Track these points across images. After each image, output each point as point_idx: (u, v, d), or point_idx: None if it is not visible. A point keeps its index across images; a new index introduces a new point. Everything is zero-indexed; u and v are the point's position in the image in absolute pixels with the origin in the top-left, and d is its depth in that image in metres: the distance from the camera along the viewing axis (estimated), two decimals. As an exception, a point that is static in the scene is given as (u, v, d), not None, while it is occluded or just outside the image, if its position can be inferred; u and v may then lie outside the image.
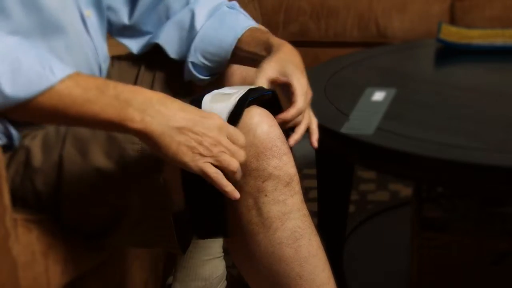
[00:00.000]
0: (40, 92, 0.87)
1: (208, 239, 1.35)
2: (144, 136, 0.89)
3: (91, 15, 1.09)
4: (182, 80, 1.20)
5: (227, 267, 1.41)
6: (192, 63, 1.15)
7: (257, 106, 0.96)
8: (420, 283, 1.36)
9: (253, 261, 0.98)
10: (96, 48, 1.10)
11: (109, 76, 1.19)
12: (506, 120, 1.23)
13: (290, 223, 0.96)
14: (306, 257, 0.97)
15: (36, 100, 0.88)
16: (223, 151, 0.90)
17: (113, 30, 1.21)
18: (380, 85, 1.37)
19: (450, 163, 1.09)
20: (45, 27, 1.00)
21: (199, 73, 1.16)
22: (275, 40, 1.09)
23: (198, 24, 1.15)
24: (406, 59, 1.60)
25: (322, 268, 0.98)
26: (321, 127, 1.24)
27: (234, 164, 0.90)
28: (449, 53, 1.58)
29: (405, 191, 1.91)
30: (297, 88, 1.03)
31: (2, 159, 0.90)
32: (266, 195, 0.95)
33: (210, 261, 1.37)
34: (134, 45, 1.21)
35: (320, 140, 1.36)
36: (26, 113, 0.89)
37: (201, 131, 0.89)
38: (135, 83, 1.21)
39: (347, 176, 1.48)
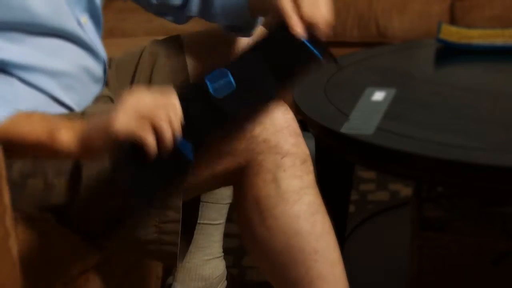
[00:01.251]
0: None
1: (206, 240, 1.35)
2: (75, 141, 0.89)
3: (87, 21, 1.11)
4: (182, 76, 1.20)
5: (227, 267, 1.41)
6: (226, 26, 1.17)
7: None
8: (419, 283, 1.36)
9: (269, 237, 0.99)
10: (94, 49, 1.12)
11: (107, 78, 1.20)
12: (506, 120, 1.23)
13: (306, 198, 0.99)
14: (321, 233, 1.00)
15: None
16: (147, 109, 0.87)
17: (150, 10, 1.22)
18: (380, 85, 1.37)
19: (450, 163, 1.09)
20: (36, 28, 1.02)
21: (237, 30, 1.18)
22: None
23: None
24: (406, 59, 1.59)
25: (334, 248, 1.01)
26: (321, 127, 1.24)
27: (161, 118, 0.87)
28: (449, 53, 1.57)
29: (405, 191, 1.91)
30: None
31: (2, 159, 0.90)
32: (284, 170, 0.99)
33: (210, 261, 1.37)
34: (172, 19, 1.22)
35: (320, 140, 1.36)
36: None
37: (120, 101, 0.88)
38: (132, 81, 1.22)
39: (347, 176, 1.48)
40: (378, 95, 1.32)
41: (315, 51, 0.98)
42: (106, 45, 1.19)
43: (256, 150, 0.98)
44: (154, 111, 0.87)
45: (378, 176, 2.00)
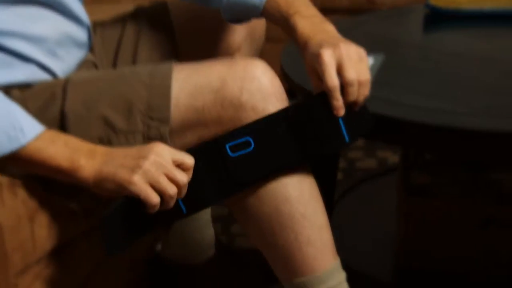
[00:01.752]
0: (8, 153, 0.92)
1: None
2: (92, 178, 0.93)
3: None
4: (168, 43, 1.19)
5: (216, 234, 1.41)
6: (227, 19, 1.16)
7: (259, 59, 1.01)
8: (407, 248, 1.37)
9: (259, 204, 1.01)
10: (75, 15, 1.10)
11: (92, 44, 1.19)
12: (494, 85, 1.23)
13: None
14: (309, 199, 1.01)
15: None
16: (164, 173, 0.92)
17: None
18: (368, 52, 1.36)
19: (437, 128, 1.09)
20: None
21: (237, 22, 1.18)
22: (293, 20, 1.05)
23: None
24: (395, 25, 1.58)
25: (322, 212, 1.03)
26: (309, 94, 1.23)
27: (171, 190, 0.92)
28: (438, 18, 1.57)
29: (393, 158, 1.92)
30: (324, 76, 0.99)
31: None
32: None
33: (198, 228, 1.37)
34: None
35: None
36: None
37: (143, 155, 0.92)
38: (118, 48, 1.21)
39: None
40: (367, 61, 1.31)
41: (346, 134, 0.99)
42: (91, 11, 1.17)
43: (244, 118, 0.98)
44: (166, 177, 0.92)
45: (366, 143, 2.00)
